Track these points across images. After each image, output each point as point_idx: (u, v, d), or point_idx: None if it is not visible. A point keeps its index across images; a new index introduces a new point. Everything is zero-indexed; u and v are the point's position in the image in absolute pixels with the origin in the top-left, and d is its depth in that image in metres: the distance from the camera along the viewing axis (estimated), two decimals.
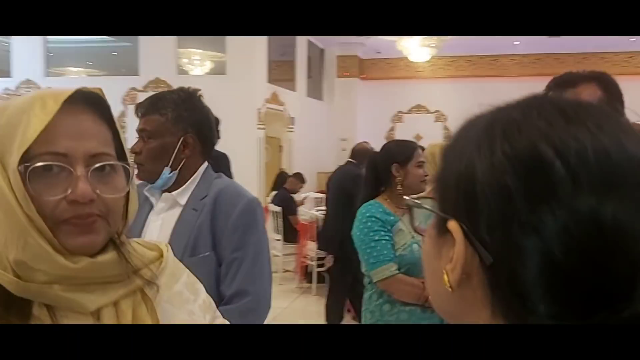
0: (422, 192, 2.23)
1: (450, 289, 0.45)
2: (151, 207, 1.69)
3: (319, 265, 6.02)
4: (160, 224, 1.65)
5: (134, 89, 8.97)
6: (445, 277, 0.45)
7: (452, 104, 12.75)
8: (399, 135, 13.08)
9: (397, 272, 2.11)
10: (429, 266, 0.51)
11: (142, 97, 8.61)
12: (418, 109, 13.12)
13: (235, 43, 8.54)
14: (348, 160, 5.14)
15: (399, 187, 2.21)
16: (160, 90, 8.21)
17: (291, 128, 10.44)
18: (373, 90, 12.98)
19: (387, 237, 2.14)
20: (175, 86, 7.86)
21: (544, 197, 0.40)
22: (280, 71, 10.27)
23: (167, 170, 1.62)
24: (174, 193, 1.66)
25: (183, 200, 1.65)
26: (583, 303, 0.40)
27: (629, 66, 11.63)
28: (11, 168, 0.69)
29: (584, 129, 0.42)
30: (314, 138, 11.38)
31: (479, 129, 0.47)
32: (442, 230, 0.48)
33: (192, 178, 1.65)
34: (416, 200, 0.54)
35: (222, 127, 9.28)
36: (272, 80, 9.65)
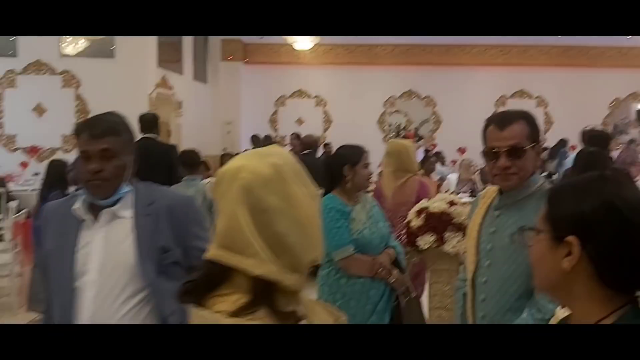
0: (367, 188, 2.71)
1: (566, 270, 0.91)
2: (78, 225, 1.72)
3: None
4: (103, 238, 1.70)
5: (11, 71, 8.45)
6: (566, 264, 0.92)
7: (331, 89, 13.46)
8: (282, 118, 13.56)
9: (353, 252, 2.59)
10: (542, 261, 0.96)
11: (21, 80, 8.32)
12: (300, 94, 13.64)
13: None
14: (304, 153, 5.52)
15: (348, 185, 2.68)
16: (42, 74, 7.87)
17: (179, 112, 10.44)
18: (256, 75, 13.25)
19: (345, 225, 2.61)
20: (58, 70, 7.68)
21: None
22: (167, 53, 10.16)
23: (125, 185, 1.74)
24: (113, 207, 1.72)
25: (125, 212, 1.73)
26: None
27: (484, 57, 13.08)
28: None
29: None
30: (201, 122, 11.45)
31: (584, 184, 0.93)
32: (558, 241, 0.93)
33: (123, 190, 1.75)
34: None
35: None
36: (160, 62, 9.57)
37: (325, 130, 13.46)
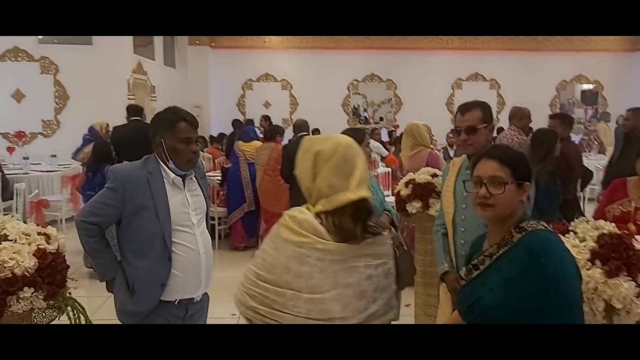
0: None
1: (526, 200, 1.57)
2: (165, 187, 2.44)
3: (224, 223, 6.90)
4: (190, 193, 2.51)
5: None
6: (523, 198, 1.58)
7: (296, 73, 13.91)
8: (249, 101, 13.95)
9: None
10: (511, 198, 1.63)
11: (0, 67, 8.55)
12: (266, 77, 14.02)
13: None
14: (300, 135, 5.95)
15: None
16: (20, 60, 8.12)
17: (154, 97, 10.72)
18: (223, 59, 13.54)
19: None
20: (36, 56, 7.99)
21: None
22: (139, 38, 10.37)
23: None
24: (191, 176, 2.54)
25: (194, 178, 2.56)
26: None
27: (441, 41, 13.79)
28: None
29: None
30: (172, 104, 11.71)
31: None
32: (519, 186, 1.63)
33: None
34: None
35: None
36: (135, 48, 9.82)
37: (292, 113, 13.93)
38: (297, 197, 5.21)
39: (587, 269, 1.89)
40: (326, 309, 1.49)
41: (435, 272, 3.02)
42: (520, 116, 4.84)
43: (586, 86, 14.36)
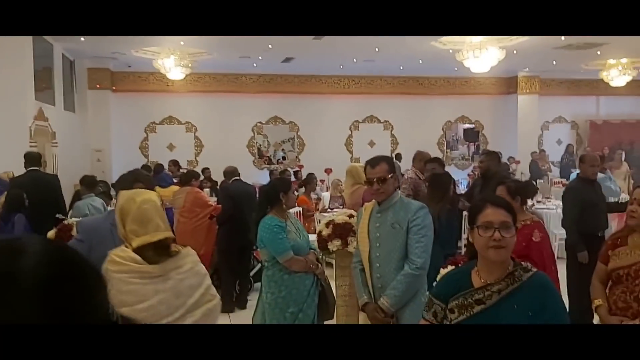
0: (293, 207, 3.66)
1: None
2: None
3: None
4: None
5: None
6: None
7: (201, 116, 14.12)
8: (152, 144, 13.91)
9: (292, 255, 3.54)
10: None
11: None
12: (170, 120, 14.11)
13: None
14: (235, 179, 6.54)
15: (284, 206, 3.63)
16: None
17: (54, 143, 10.46)
18: (125, 102, 13.46)
19: (284, 236, 3.55)
20: None
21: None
22: (40, 82, 10.15)
23: None
24: None
25: None
26: None
27: (339, 86, 14.70)
28: None
29: None
30: (72, 150, 11.45)
31: None
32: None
33: None
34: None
35: None
36: (36, 94, 9.61)
37: (197, 155, 14.08)
38: (229, 235, 5.60)
39: None
40: (156, 312, 2.04)
41: (355, 303, 3.45)
42: (420, 158, 5.50)
43: (468, 125, 15.85)
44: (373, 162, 3.19)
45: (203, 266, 2.26)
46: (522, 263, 1.92)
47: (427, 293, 2.81)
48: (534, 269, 1.91)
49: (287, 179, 3.78)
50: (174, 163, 10.99)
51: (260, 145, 14.67)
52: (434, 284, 2.40)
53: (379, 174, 3.12)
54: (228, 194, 6.42)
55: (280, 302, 3.55)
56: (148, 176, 2.81)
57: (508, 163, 13.42)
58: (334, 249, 4.19)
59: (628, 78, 12.64)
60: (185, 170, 9.34)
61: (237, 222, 6.19)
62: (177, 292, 2.10)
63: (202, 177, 10.80)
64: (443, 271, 2.74)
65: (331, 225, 4.30)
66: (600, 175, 5.57)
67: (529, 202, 6.00)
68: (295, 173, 12.89)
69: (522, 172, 13.74)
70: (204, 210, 6.55)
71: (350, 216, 4.36)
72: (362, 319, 3.34)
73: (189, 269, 2.17)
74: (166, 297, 2.08)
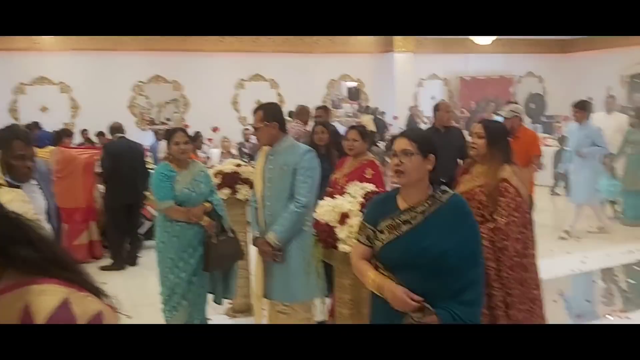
0: (183, 159, 3.74)
1: (427, 170, 2.12)
2: None
3: None
4: None
5: None
6: (429, 166, 2.10)
7: (76, 75, 13.33)
8: (23, 107, 12.96)
9: (172, 204, 3.67)
10: (419, 167, 2.09)
11: None
12: (41, 80, 13.19)
13: None
14: (120, 136, 6.49)
15: (170, 156, 3.74)
16: None
17: None
18: None
19: (168, 185, 3.66)
20: None
21: None
22: None
23: None
24: None
25: None
26: None
27: (223, 44, 14.51)
28: None
29: None
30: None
31: None
32: (424, 157, 2.08)
33: None
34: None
35: None
36: None
37: (74, 117, 13.35)
38: (113, 193, 5.66)
39: (358, 217, 2.75)
40: None
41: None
42: (302, 112, 5.82)
43: (350, 84, 16.40)
44: (254, 111, 3.43)
45: (25, 209, 2.10)
46: (443, 186, 2.15)
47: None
48: (452, 191, 2.16)
49: (171, 130, 3.86)
50: (35, 125, 10.35)
51: (142, 106, 14.20)
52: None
53: (253, 123, 3.41)
54: (109, 152, 6.34)
55: (162, 247, 3.71)
56: (27, 132, 2.73)
57: (382, 119, 14.29)
58: (224, 198, 4.35)
59: (493, 37, 13.73)
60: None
61: (121, 179, 6.15)
62: None
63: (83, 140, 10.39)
64: (322, 202, 3.02)
65: (220, 175, 4.46)
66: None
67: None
68: None
69: (400, 127, 14.60)
70: (72, 164, 6.42)
71: (238, 165, 4.55)
72: (258, 264, 3.52)
73: None
74: None
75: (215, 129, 12.49)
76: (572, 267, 5.83)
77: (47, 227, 2.81)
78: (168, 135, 3.79)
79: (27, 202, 2.20)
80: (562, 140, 9.90)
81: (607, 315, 4.55)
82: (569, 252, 6.38)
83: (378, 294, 2.12)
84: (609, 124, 8.32)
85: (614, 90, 11.84)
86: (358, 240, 2.27)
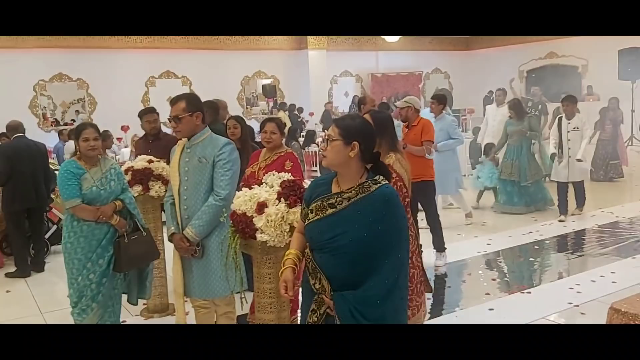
0: (90, 156, 3.55)
1: (351, 157, 2.11)
2: None
3: None
4: None
5: None
6: (351, 153, 2.09)
7: None
8: None
9: (80, 203, 3.45)
10: (339, 152, 2.11)
11: None
12: None
13: None
14: (18, 136, 6.01)
15: (79, 153, 3.56)
16: None
17: None
18: None
19: (75, 183, 3.44)
20: None
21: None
22: None
23: None
24: None
25: None
26: None
27: (130, 41, 13.99)
28: None
29: None
30: None
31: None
32: (347, 144, 2.09)
33: None
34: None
35: None
36: None
37: None
38: (11, 197, 5.37)
39: (276, 205, 2.76)
40: None
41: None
42: (216, 108, 5.72)
43: (265, 81, 16.35)
44: (172, 101, 3.32)
45: None
46: (376, 177, 2.15)
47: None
48: (383, 182, 2.14)
49: (78, 126, 3.68)
50: None
51: (44, 107, 13.42)
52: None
53: (174, 113, 3.26)
54: (4, 153, 5.92)
55: (69, 247, 3.51)
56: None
57: (298, 114, 14.43)
58: (135, 195, 4.20)
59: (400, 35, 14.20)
60: None
61: (19, 182, 5.80)
62: None
63: None
64: (239, 193, 2.99)
65: (130, 172, 4.30)
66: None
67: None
68: None
69: (315, 123, 14.76)
70: None
71: (150, 161, 4.41)
72: (175, 256, 3.44)
73: None
74: None
75: (125, 128, 12.03)
76: (479, 249, 6.18)
77: None
78: (77, 131, 3.58)
79: None
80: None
81: (512, 293, 4.85)
82: (476, 236, 6.76)
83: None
84: (497, 116, 8.91)
85: (515, 84, 12.54)
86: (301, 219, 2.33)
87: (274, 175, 2.98)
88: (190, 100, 3.32)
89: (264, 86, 16.28)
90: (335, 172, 2.22)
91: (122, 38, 13.70)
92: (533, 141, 7.86)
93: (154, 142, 5.06)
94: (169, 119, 3.29)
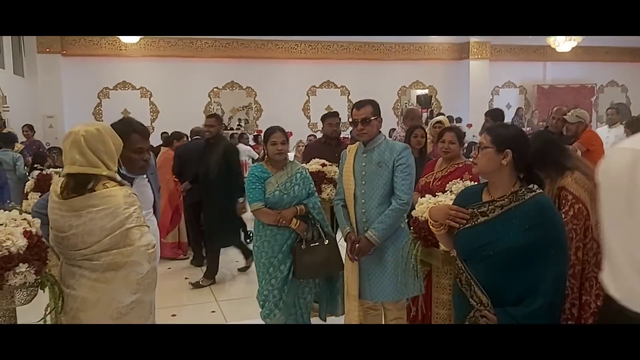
0: (278, 160, 3.61)
1: (503, 165, 2.09)
2: None
3: None
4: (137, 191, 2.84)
5: None
6: (504, 161, 2.07)
7: (155, 81, 13.86)
8: (106, 110, 13.58)
9: (262, 206, 3.54)
10: (490, 160, 2.11)
11: None
12: (124, 85, 13.79)
13: None
14: (195, 139, 6.65)
15: (266, 156, 3.71)
16: None
17: (6, 107, 10.13)
18: (77, 67, 13.05)
19: (259, 187, 3.57)
20: None
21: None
22: None
23: None
24: None
25: None
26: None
27: (295, 51, 14.69)
28: None
29: None
30: (23, 116, 11.11)
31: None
32: (500, 152, 2.08)
33: None
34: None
35: None
36: None
37: (153, 120, 13.86)
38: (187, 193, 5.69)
39: None
40: (71, 244, 2.15)
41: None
42: (412, 117, 5.73)
43: (420, 91, 16.17)
44: (359, 105, 3.33)
45: (131, 210, 2.16)
46: (531, 186, 2.11)
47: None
48: (539, 191, 2.10)
49: (270, 128, 3.81)
50: (29, 127, 10.35)
51: (216, 111, 14.57)
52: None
53: (363, 115, 3.26)
54: (176, 154, 6.55)
55: (256, 250, 3.62)
56: (143, 125, 2.67)
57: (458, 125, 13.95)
58: None
59: (573, 44, 13.18)
60: None
61: (192, 180, 6.23)
62: (88, 229, 2.12)
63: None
64: (422, 199, 2.92)
65: None
66: None
67: None
68: (255, 137, 12.94)
69: (473, 134, 14.24)
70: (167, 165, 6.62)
71: (323, 165, 4.53)
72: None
73: (104, 209, 2.12)
74: (79, 232, 2.13)
75: (289, 134, 12.58)
76: None
77: (154, 221, 2.85)
78: (265, 134, 3.69)
79: (134, 198, 2.24)
80: None
81: None
82: None
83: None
84: (609, 138, 7.55)
85: None
86: None
87: (458, 183, 2.88)
88: (375, 105, 3.36)
89: (418, 96, 16.08)
90: (486, 182, 2.21)
91: (288, 49, 14.44)
92: None
93: (337, 147, 5.01)
94: (354, 121, 3.31)
